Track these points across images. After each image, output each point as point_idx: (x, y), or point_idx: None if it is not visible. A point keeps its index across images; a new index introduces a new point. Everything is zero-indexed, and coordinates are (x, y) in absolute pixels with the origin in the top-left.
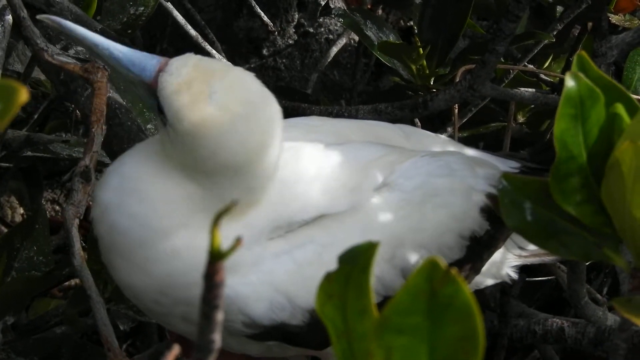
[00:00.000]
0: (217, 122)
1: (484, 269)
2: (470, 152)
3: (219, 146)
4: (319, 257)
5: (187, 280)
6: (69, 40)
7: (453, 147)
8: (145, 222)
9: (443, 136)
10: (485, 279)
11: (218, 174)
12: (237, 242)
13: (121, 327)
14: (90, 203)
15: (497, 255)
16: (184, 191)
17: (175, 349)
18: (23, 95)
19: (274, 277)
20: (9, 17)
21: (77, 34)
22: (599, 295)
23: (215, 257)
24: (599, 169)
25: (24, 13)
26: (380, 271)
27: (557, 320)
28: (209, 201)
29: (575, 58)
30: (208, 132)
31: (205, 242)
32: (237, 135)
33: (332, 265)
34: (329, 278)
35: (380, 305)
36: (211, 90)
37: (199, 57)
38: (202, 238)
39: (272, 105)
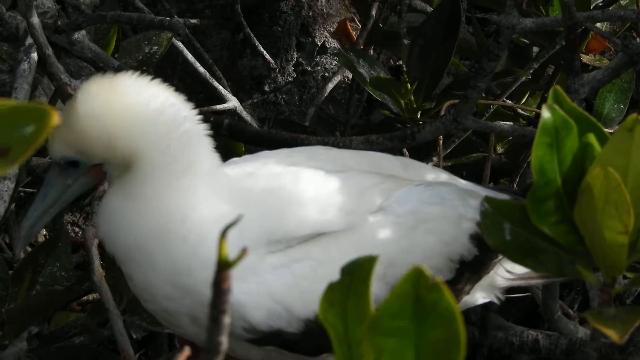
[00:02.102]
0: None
1: (474, 290)
2: (464, 184)
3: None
4: (314, 272)
5: (190, 263)
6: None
7: (448, 179)
8: (133, 226)
9: (438, 168)
10: (476, 299)
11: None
12: (243, 252)
13: (134, 336)
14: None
15: (487, 278)
16: (136, 189)
17: (186, 351)
18: (55, 118)
19: (273, 288)
20: (35, 55)
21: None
22: (570, 310)
23: (223, 266)
24: (572, 192)
25: (49, 51)
26: (373, 288)
27: (533, 332)
28: (153, 185)
29: (550, 92)
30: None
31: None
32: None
33: (326, 279)
34: (331, 287)
35: None
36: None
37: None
38: (174, 214)
39: None
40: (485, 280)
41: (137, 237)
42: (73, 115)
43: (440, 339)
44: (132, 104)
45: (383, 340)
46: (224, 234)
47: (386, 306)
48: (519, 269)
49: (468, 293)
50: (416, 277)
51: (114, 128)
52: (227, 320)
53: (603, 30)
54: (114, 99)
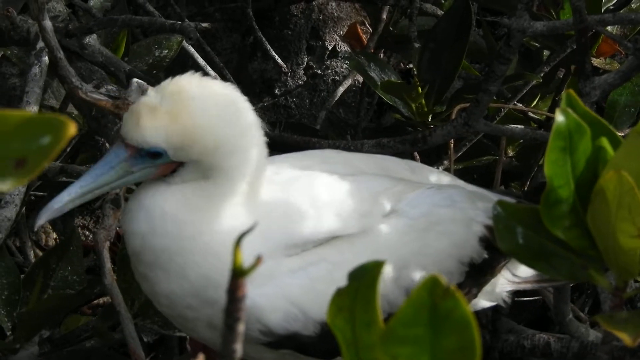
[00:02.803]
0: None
1: (480, 293)
2: (470, 187)
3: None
4: (330, 274)
5: (219, 279)
6: (100, 80)
7: (454, 182)
8: (178, 234)
9: (445, 172)
10: (481, 301)
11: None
12: (258, 260)
13: (145, 340)
14: (121, 232)
15: (493, 281)
16: (197, 197)
17: (200, 358)
18: (71, 129)
19: (290, 290)
20: (46, 59)
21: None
22: (581, 314)
23: (238, 274)
24: (585, 196)
25: (60, 54)
26: (386, 290)
27: (544, 335)
28: (216, 196)
29: (564, 96)
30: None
31: (225, 230)
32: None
33: (342, 282)
34: (339, 293)
35: (385, 321)
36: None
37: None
38: (219, 228)
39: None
40: (492, 282)
41: (176, 245)
42: (184, 110)
43: (455, 346)
44: (233, 105)
45: (398, 348)
46: (238, 242)
47: (401, 314)
48: (526, 273)
49: (476, 296)
50: (431, 285)
51: (220, 130)
52: (241, 327)
53: (614, 33)
54: (220, 100)
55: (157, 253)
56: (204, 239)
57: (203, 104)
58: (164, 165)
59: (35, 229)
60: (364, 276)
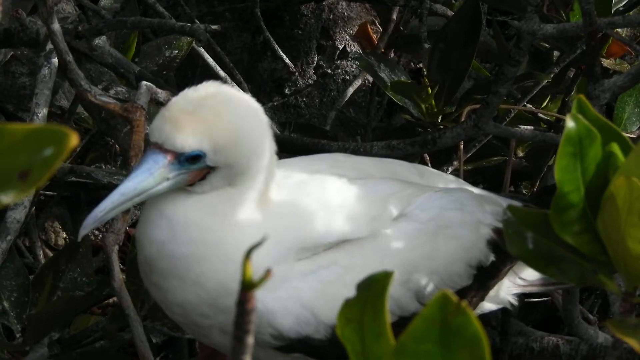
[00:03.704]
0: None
1: (487, 295)
2: (477, 191)
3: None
4: (341, 277)
5: (234, 286)
6: (109, 82)
7: (461, 186)
8: (201, 241)
9: (452, 176)
10: (487, 304)
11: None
12: (267, 273)
13: (154, 341)
14: (131, 232)
15: (499, 284)
16: (222, 203)
17: None
18: (74, 140)
19: (301, 294)
20: (55, 60)
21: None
22: (590, 315)
23: (247, 287)
24: (595, 202)
25: (70, 57)
26: (396, 293)
27: (553, 338)
28: (239, 202)
29: (574, 101)
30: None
31: (245, 235)
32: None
33: (352, 285)
34: (348, 304)
35: (395, 324)
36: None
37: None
38: (240, 235)
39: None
40: (499, 285)
41: (197, 252)
42: (224, 112)
43: None
44: (254, 108)
45: None
46: (248, 255)
47: (412, 329)
48: (532, 276)
49: (483, 299)
50: (443, 302)
51: (254, 132)
52: (251, 340)
53: (623, 34)
54: (245, 103)
55: (174, 261)
56: (226, 246)
57: (237, 107)
58: (197, 172)
59: (79, 239)
60: (373, 287)
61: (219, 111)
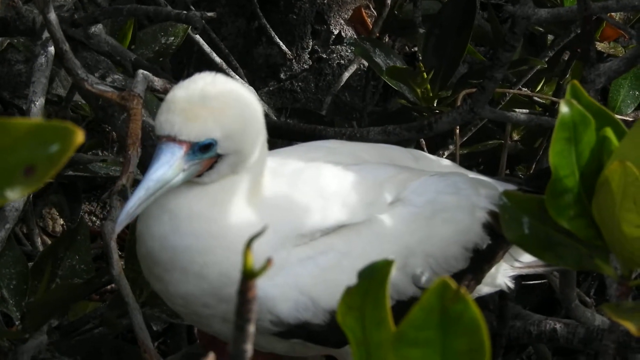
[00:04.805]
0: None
1: (484, 278)
2: (471, 174)
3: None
4: (339, 262)
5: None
6: (106, 70)
7: (456, 170)
8: (205, 231)
9: (448, 161)
10: (484, 287)
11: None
12: (268, 262)
13: (154, 328)
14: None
15: (496, 266)
16: (225, 193)
17: (211, 357)
18: (79, 136)
19: (300, 280)
20: (52, 49)
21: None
22: (587, 298)
23: (248, 276)
24: (590, 187)
25: (66, 46)
26: (394, 278)
27: (550, 321)
28: (240, 190)
29: (568, 87)
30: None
31: (247, 224)
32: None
33: (350, 270)
34: (349, 292)
35: (393, 308)
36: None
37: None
38: (242, 224)
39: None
40: (495, 268)
41: (201, 243)
42: (230, 99)
43: (465, 349)
44: (250, 96)
45: (409, 350)
46: (249, 244)
47: (412, 317)
48: (528, 258)
49: (480, 282)
50: (442, 289)
51: (257, 116)
52: (252, 328)
53: (617, 18)
54: (243, 90)
55: (177, 254)
56: (229, 236)
57: (239, 94)
58: (207, 161)
59: (115, 237)
60: (374, 275)
61: (224, 99)
